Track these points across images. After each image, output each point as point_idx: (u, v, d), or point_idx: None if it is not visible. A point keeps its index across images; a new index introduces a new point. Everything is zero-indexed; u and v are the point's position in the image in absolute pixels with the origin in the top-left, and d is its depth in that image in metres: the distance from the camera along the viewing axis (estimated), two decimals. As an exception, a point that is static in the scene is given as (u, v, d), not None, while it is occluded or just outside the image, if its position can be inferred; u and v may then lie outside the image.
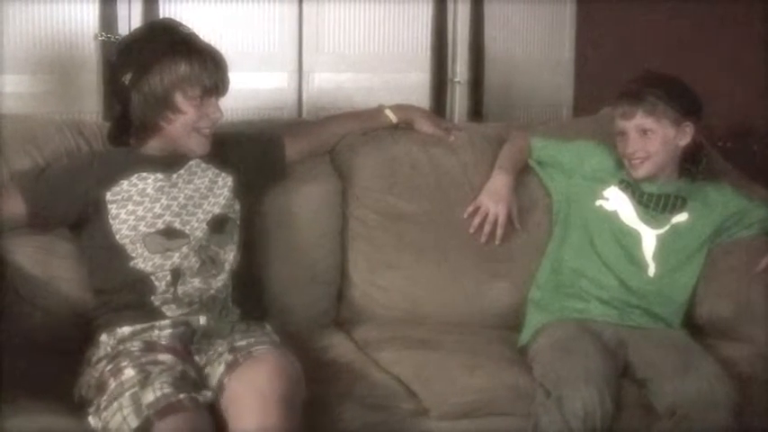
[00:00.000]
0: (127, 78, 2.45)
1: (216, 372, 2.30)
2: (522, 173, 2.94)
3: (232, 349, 2.33)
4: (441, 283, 2.86)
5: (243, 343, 2.36)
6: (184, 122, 2.47)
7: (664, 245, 2.78)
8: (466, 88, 3.65)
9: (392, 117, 2.93)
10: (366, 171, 2.88)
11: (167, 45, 2.44)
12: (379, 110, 2.94)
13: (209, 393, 2.22)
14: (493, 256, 2.88)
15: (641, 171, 2.77)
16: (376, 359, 2.61)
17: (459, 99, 3.65)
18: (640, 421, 2.50)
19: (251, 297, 2.54)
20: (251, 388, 2.21)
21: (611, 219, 2.80)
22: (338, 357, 2.61)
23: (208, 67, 2.44)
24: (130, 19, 3.21)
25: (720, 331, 2.75)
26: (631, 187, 2.81)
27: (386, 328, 2.78)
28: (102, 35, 3.18)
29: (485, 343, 2.72)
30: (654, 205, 2.80)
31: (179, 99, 2.44)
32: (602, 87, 3.68)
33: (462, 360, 2.59)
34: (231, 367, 2.27)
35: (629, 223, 2.80)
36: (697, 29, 4.10)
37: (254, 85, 3.35)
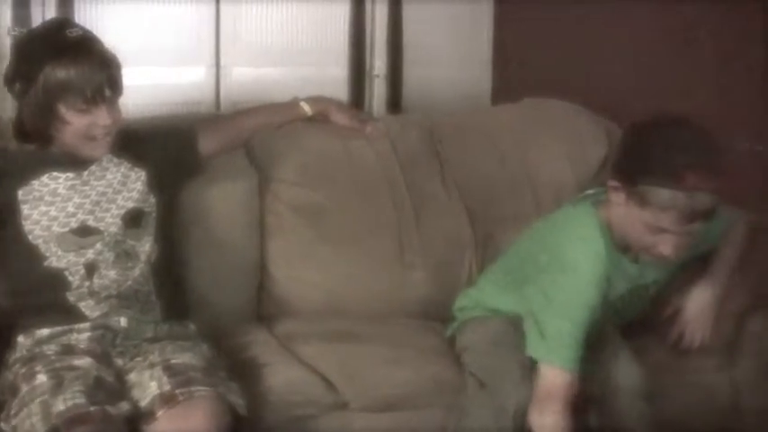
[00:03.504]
0: (15, 89, 2.40)
1: (146, 385, 2.24)
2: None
3: (167, 367, 2.27)
4: (359, 275, 2.85)
5: (178, 362, 2.30)
6: (73, 132, 2.38)
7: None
8: (384, 82, 3.66)
9: (307, 109, 2.90)
10: (282, 164, 2.86)
11: (47, 53, 2.34)
12: (294, 102, 2.92)
13: (125, 405, 2.17)
14: (410, 246, 2.88)
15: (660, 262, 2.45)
16: (298, 354, 2.59)
17: (377, 92, 3.67)
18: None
19: (173, 292, 2.53)
20: None
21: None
22: (259, 353, 2.59)
23: (87, 74, 2.33)
24: (44, 16, 3.17)
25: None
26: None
27: (307, 322, 2.77)
28: (14, 30, 3.13)
29: (407, 334, 2.73)
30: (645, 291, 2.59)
31: (62, 110, 2.35)
32: (519, 79, 3.74)
33: (385, 352, 2.60)
34: (168, 401, 2.19)
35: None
36: (609, 23, 4.13)
37: (171, 79, 3.34)
